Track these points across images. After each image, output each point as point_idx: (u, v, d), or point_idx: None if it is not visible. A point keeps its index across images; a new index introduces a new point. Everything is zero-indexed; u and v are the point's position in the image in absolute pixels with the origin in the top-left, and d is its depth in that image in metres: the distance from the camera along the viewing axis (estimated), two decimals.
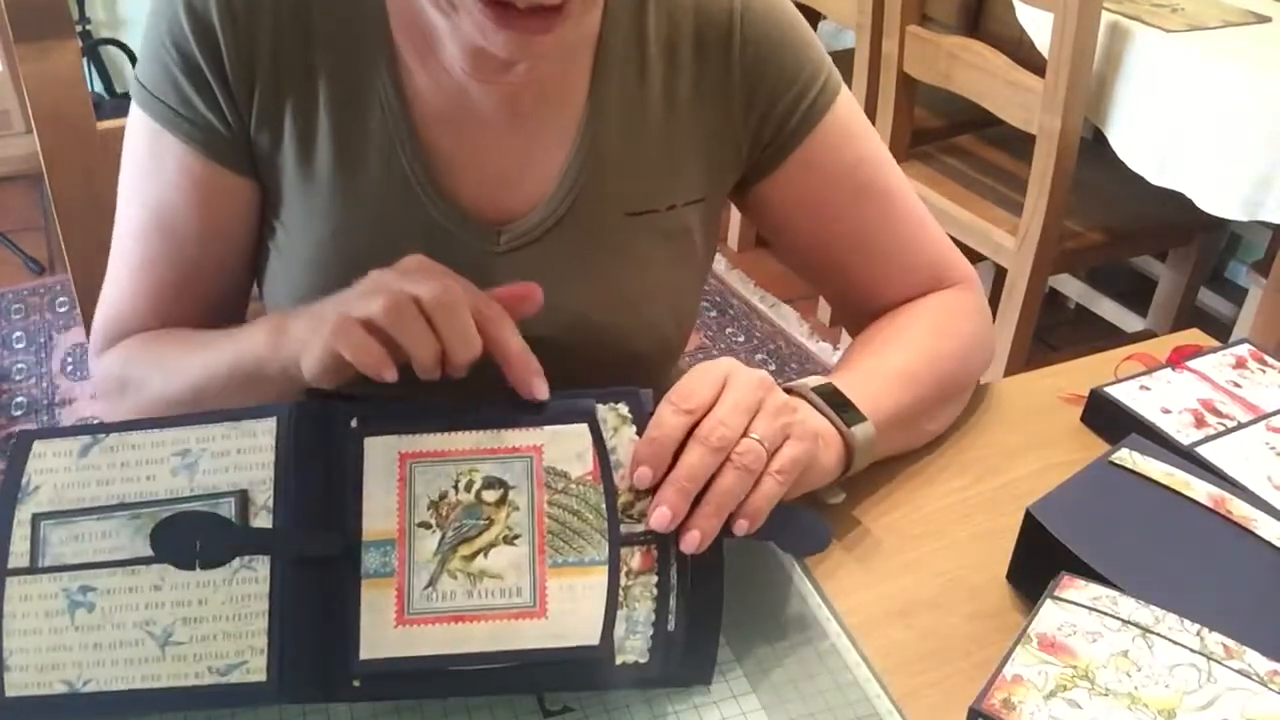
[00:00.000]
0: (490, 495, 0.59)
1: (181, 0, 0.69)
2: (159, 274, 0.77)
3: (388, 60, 0.71)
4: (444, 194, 0.73)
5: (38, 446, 0.57)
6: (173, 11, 0.70)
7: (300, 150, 0.73)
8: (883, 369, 0.77)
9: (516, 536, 0.58)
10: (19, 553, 0.55)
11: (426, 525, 0.58)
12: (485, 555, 0.58)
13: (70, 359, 2.29)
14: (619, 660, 0.57)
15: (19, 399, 2.18)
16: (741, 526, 0.59)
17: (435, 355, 0.58)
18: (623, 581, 0.59)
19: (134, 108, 0.75)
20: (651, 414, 0.61)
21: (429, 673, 0.56)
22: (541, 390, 0.61)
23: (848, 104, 0.81)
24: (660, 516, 0.58)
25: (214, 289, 0.79)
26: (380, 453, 0.59)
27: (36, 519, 0.55)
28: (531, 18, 0.60)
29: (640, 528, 0.60)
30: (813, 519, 0.66)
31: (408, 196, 0.73)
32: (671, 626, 0.58)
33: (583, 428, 0.61)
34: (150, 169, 0.75)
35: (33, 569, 0.55)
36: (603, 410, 0.62)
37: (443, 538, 0.58)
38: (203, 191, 0.74)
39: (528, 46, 0.62)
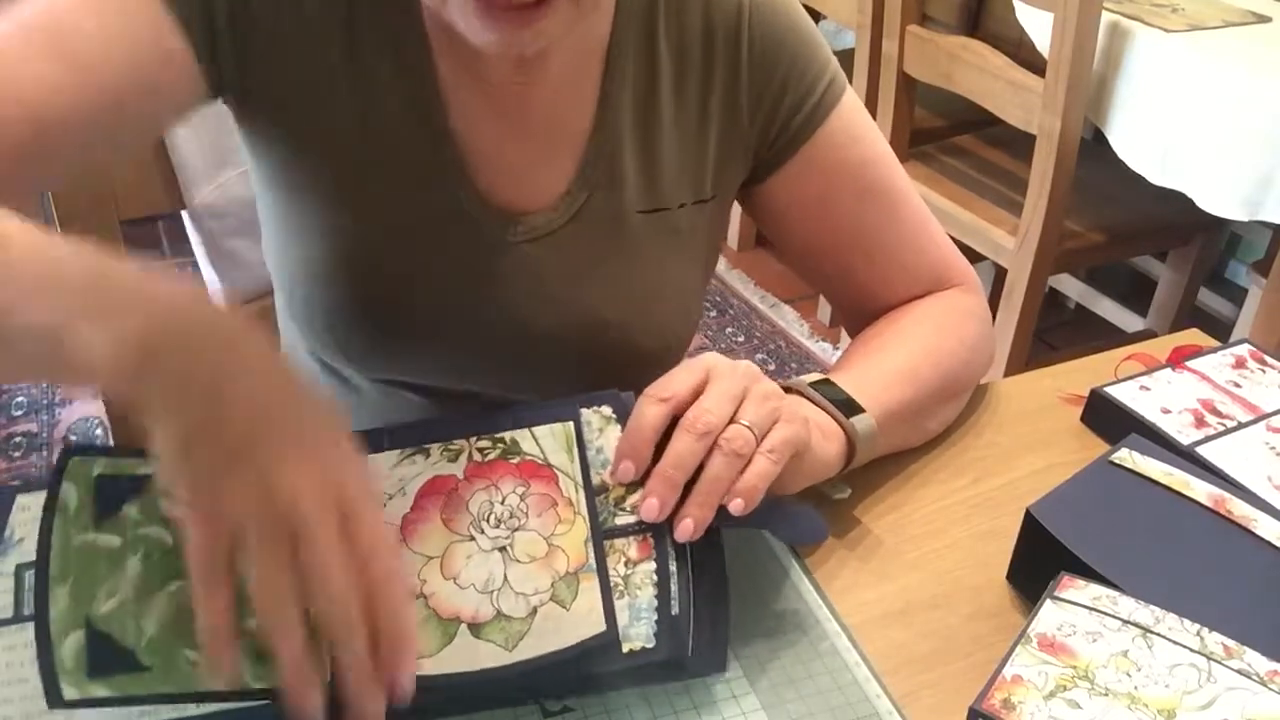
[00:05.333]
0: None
1: None
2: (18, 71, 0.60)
3: (423, 54, 0.71)
4: (466, 181, 0.73)
5: (21, 500, 0.57)
6: None
7: (322, 135, 0.71)
8: (883, 366, 0.77)
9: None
10: (3, 605, 0.55)
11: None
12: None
13: None
14: (626, 648, 0.57)
15: (19, 399, 2.18)
16: (737, 506, 0.59)
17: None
18: (622, 570, 0.59)
19: None
20: None
21: (436, 685, 0.56)
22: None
23: (852, 104, 0.81)
24: (649, 508, 0.59)
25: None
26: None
27: (20, 570, 0.55)
28: (513, 12, 0.60)
29: (634, 517, 0.60)
30: (809, 511, 0.66)
31: (435, 180, 0.73)
32: (675, 610, 0.58)
33: (567, 427, 0.62)
34: None
35: (18, 618, 0.55)
36: (587, 414, 0.63)
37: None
38: (135, 33, 0.63)
39: (513, 42, 0.62)
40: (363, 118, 0.71)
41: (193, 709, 0.54)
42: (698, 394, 0.61)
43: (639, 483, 0.60)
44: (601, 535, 0.60)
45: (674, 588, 0.59)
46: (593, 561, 0.59)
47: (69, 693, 0.52)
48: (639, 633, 0.58)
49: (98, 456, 0.56)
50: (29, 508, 0.56)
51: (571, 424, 0.62)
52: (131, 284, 0.49)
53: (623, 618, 0.58)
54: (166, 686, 0.53)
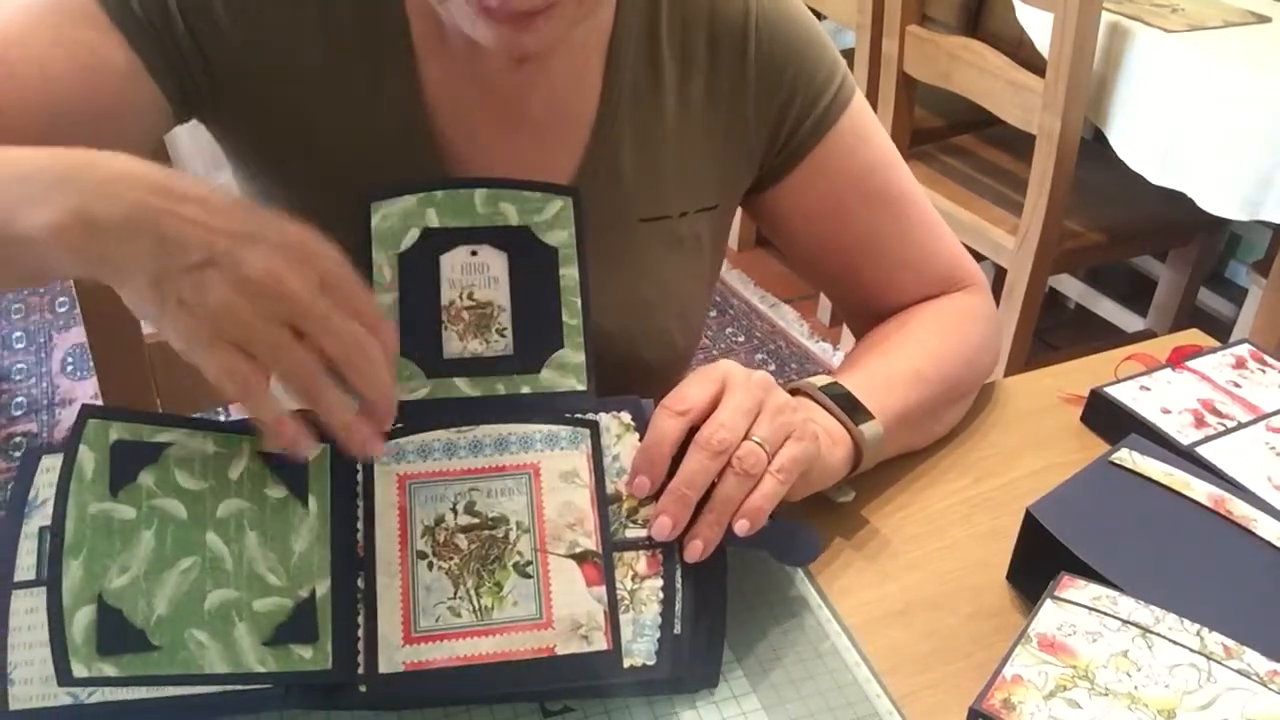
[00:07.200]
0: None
1: None
2: None
3: (406, 57, 0.70)
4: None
5: (46, 461, 0.57)
6: None
7: (303, 143, 0.71)
8: (891, 369, 0.76)
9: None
10: (25, 566, 0.55)
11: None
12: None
13: (70, 359, 2.29)
14: (626, 663, 0.57)
15: (19, 399, 2.18)
16: (742, 526, 0.59)
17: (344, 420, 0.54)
18: (629, 585, 0.59)
19: None
20: None
21: (435, 682, 0.56)
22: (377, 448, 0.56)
23: (861, 107, 0.80)
24: (661, 526, 0.59)
25: None
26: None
27: (44, 532, 0.55)
28: (511, 17, 0.60)
29: (645, 532, 0.60)
30: (805, 532, 0.66)
31: None
32: (678, 630, 0.58)
33: (583, 433, 0.62)
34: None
35: (39, 581, 0.55)
36: (606, 419, 0.63)
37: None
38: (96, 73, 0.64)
39: (514, 43, 0.61)
40: (345, 131, 0.71)
41: (199, 692, 0.54)
42: (714, 404, 0.61)
43: (652, 496, 0.60)
44: (611, 547, 0.59)
45: (679, 606, 0.59)
46: (602, 573, 0.59)
47: (78, 670, 0.52)
48: (641, 649, 0.58)
49: (115, 420, 0.56)
50: (52, 469, 0.56)
51: (589, 430, 0.62)
52: (65, 166, 0.52)
53: (626, 632, 0.58)
54: (174, 668, 0.53)
